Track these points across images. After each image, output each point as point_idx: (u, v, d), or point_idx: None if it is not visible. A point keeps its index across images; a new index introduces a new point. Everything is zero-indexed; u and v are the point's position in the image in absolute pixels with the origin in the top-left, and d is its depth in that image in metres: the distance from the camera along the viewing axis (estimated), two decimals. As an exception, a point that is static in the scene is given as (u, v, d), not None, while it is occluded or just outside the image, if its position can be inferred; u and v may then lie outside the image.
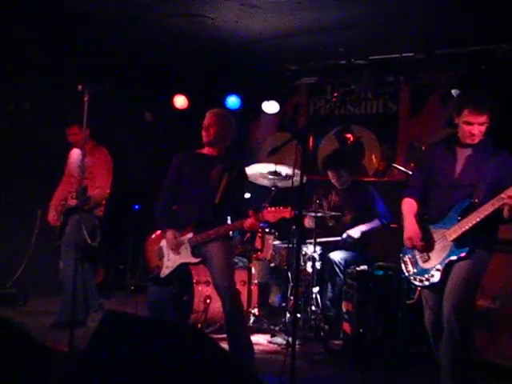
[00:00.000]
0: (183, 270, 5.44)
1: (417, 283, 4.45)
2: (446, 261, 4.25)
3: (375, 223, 6.79)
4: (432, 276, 4.31)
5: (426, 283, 4.36)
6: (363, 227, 6.75)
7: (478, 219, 4.14)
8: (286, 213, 4.84)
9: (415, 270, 4.44)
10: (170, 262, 5.14)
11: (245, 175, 5.45)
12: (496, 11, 6.17)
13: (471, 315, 4.27)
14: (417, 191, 4.60)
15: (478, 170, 4.29)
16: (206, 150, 5.29)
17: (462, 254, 4.20)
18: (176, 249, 5.07)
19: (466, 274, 4.20)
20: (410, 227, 4.47)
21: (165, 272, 5.14)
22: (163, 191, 5.26)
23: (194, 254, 5.08)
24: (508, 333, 5.30)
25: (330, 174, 7.05)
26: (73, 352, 4.44)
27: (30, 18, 6.85)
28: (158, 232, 5.32)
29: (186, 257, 5.09)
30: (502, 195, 4.04)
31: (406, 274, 4.50)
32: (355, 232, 6.70)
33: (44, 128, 7.75)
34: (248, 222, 4.90)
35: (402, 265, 4.54)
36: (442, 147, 4.55)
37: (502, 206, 4.08)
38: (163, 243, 5.21)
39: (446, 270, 4.26)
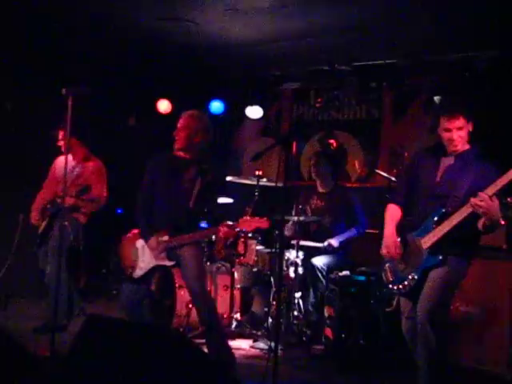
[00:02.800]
0: (162, 274, 5.49)
1: (395, 291, 4.49)
2: (421, 269, 4.28)
3: (352, 232, 6.86)
4: (408, 284, 4.34)
5: (403, 291, 4.40)
6: (341, 237, 6.80)
7: (449, 227, 4.16)
8: (263, 223, 4.87)
9: (394, 278, 4.48)
10: (144, 263, 5.16)
11: (217, 179, 5.45)
12: (478, 19, 6.22)
13: (445, 322, 4.29)
14: (400, 196, 4.64)
15: (456, 181, 4.31)
16: (179, 153, 5.27)
17: (436, 262, 4.23)
18: (159, 255, 5.11)
19: (440, 282, 4.23)
20: (389, 236, 4.51)
21: (138, 273, 5.17)
22: (140, 196, 5.28)
23: (168, 257, 5.11)
24: (489, 338, 5.34)
25: (316, 160, 7.14)
26: (54, 356, 4.42)
27: (14, 20, 6.83)
28: (135, 232, 5.31)
29: (160, 259, 5.11)
30: (470, 202, 4.05)
31: (386, 283, 4.54)
32: (335, 241, 6.74)
33: (26, 131, 7.70)
34: (223, 231, 4.94)
35: (383, 273, 4.58)
36: (427, 154, 4.58)
37: (472, 214, 4.07)
38: (139, 244, 5.22)
39: (422, 277, 4.29)
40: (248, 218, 4.91)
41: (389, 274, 4.53)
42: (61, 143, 6.46)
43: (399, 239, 4.48)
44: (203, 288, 5.07)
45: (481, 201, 3.96)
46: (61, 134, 6.38)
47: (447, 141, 4.37)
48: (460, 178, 4.30)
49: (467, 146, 4.41)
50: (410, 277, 4.33)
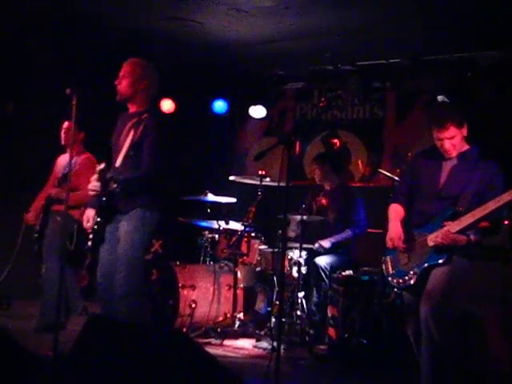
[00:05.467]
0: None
1: (394, 284, 4.50)
2: (424, 266, 4.29)
3: (347, 233, 6.85)
4: (409, 279, 4.35)
5: (402, 285, 4.40)
6: (334, 238, 6.81)
7: (459, 227, 4.17)
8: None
9: (394, 271, 4.49)
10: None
11: (158, 125, 4.70)
12: (481, 18, 6.22)
13: (449, 320, 4.27)
14: (403, 197, 4.65)
15: (462, 182, 4.32)
16: (128, 107, 4.85)
17: (440, 261, 4.23)
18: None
19: (443, 280, 4.22)
20: (393, 229, 4.51)
21: (89, 245, 4.71)
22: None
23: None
24: (492, 338, 5.32)
25: (314, 167, 7.21)
26: (57, 356, 4.41)
27: (18, 20, 6.84)
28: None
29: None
30: (488, 204, 4.06)
31: (385, 274, 4.55)
32: (326, 242, 6.75)
33: (29, 132, 7.71)
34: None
35: (383, 265, 4.60)
36: (427, 156, 4.59)
37: (485, 216, 4.09)
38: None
39: (423, 274, 4.29)
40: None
41: (389, 266, 4.54)
42: (65, 133, 6.42)
43: (404, 234, 4.47)
44: (132, 286, 4.47)
45: None
46: (66, 124, 6.35)
47: (440, 149, 4.40)
48: (467, 178, 4.31)
49: (466, 146, 4.44)
50: (411, 272, 4.34)
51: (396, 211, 4.63)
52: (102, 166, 4.49)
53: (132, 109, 4.83)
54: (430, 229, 4.32)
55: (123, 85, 4.74)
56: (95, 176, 4.48)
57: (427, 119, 4.54)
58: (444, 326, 4.19)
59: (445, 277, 4.22)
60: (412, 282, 4.33)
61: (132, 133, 4.58)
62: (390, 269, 4.52)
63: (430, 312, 4.17)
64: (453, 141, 4.33)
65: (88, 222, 4.69)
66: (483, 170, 4.31)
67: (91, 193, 4.53)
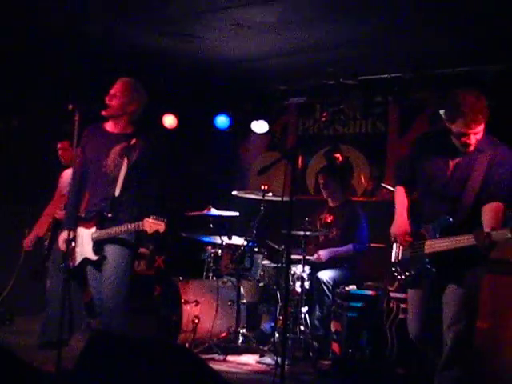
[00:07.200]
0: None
1: (396, 274, 4.41)
2: (418, 269, 4.21)
3: (348, 248, 6.85)
4: (406, 277, 4.31)
5: (402, 282, 4.33)
6: (333, 252, 6.81)
7: (448, 248, 4.03)
8: (160, 226, 4.49)
9: (398, 261, 4.42)
10: (78, 254, 4.81)
11: (148, 158, 4.81)
12: (484, 32, 6.22)
13: (472, 345, 4.17)
14: (405, 176, 4.49)
15: (466, 180, 4.08)
16: (108, 126, 4.86)
17: (427, 274, 4.15)
18: (84, 247, 4.73)
19: (461, 304, 4.09)
20: (400, 224, 4.37)
21: (74, 264, 4.80)
22: (72, 177, 4.76)
23: (94, 251, 4.71)
24: (500, 354, 5.28)
25: (320, 178, 7.24)
26: (60, 372, 4.38)
27: (20, 35, 6.86)
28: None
29: (87, 252, 4.75)
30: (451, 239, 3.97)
31: (393, 260, 4.47)
32: (324, 254, 6.77)
33: (33, 146, 7.71)
34: (144, 225, 4.48)
35: (392, 250, 4.50)
36: (433, 148, 4.27)
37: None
38: (78, 232, 4.83)
39: (418, 275, 4.22)
40: (151, 219, 4.46)
41: (395, 254, 4.45)
42: (62, 153, 6.46)
43: (410, 228, 4.33)
44: (117, 298, 4.64)
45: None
46: (65, 144, 6.39)
47: (461, 143, 4.05)
48: (471, 176, 4.07)
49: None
50: (408, 272, 4.29)
51: (401, 198, 4.44)
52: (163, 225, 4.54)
53: (113, 128, 4.85)
54: (431, 232, 4.19)
55: (113, 104, 4.77)
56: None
57: (452, 110, 4.06)
58: (468, 352, 4.09)
59: (461, 300, 4.09)
60: (408, 280, 4.29)
61: (126, 161, 4.65)
62: (399, 255, 4.42)
63: (455, 339, 4.05)
64: (477, 136, 4.02)
65: (63, 244, 4.69)
66: (494, 158, 4.06)
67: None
